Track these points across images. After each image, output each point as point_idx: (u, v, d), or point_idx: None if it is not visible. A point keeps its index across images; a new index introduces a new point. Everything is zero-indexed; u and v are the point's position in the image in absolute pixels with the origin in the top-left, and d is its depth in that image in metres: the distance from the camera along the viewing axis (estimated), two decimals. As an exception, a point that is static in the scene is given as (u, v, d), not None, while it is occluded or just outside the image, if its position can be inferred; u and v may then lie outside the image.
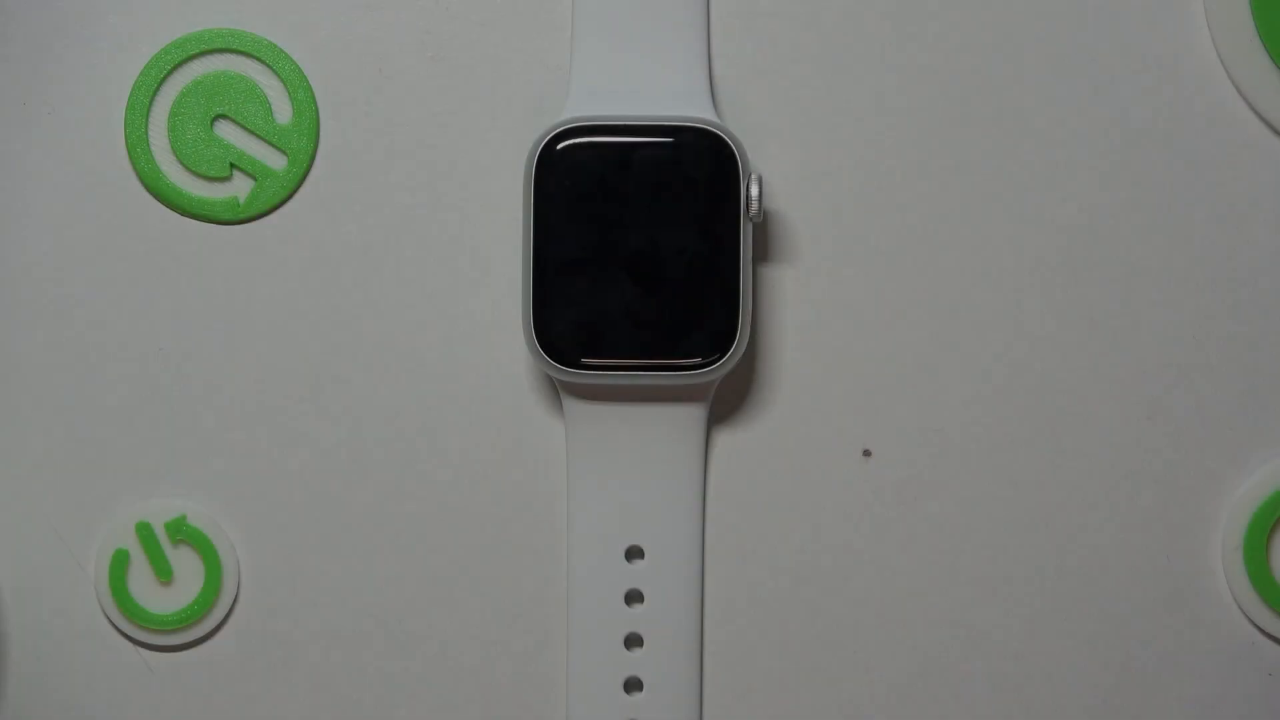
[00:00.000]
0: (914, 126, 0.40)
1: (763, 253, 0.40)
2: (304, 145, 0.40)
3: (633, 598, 0.39)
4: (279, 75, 0.40)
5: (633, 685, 0.39)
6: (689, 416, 0.38)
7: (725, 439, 0.40)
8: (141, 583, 0.40)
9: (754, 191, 0.37)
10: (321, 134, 0.40)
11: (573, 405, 0.38)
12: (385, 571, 0.40)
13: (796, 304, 0.40)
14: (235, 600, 0.40)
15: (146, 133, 0.40)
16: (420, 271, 0.40)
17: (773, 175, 0.40)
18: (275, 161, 0.40)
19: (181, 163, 0.40)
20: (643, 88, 0.38)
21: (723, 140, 0.37)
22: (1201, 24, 0.40)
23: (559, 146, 0.37)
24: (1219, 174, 0.40)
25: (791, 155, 0.40)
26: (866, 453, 0.40)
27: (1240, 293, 0.40)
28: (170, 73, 0.40)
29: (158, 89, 0.40)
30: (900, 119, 0.40)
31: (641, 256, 0.36)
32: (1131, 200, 0.40)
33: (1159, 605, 0.40)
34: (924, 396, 0.40)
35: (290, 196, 0.40)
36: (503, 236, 0.40)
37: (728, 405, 0.40)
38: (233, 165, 0.40)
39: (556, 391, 0.39)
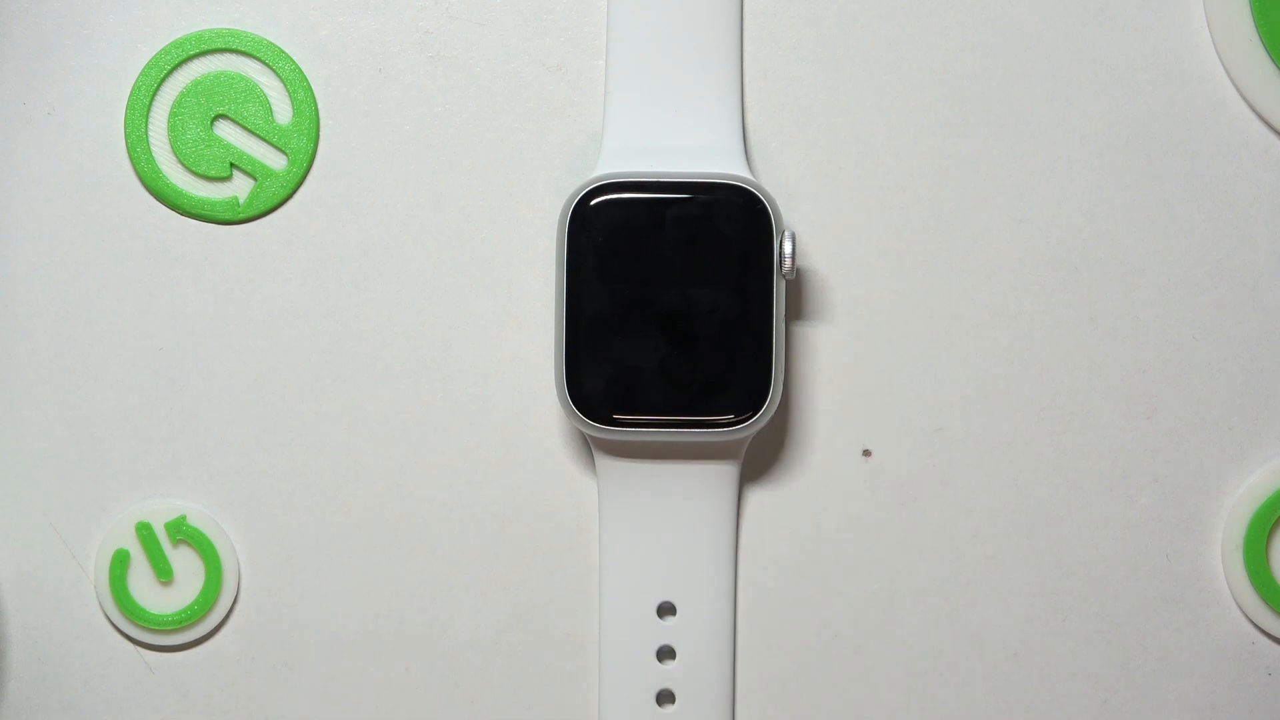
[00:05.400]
0: (915, 134, 0.40)
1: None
2: (304, 145, 0.40)
3: (664, 654, 0.39)
4: (279, 75, 0.40)
5: (664, 743, 0.39)
6: (721, 473, 0.38)
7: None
8: (141, 583, 0.40)
9: (787, 248, 0.37)
10: (321, 134, 0.40)
11: (605, 461, 0.38)
12: (389, 581, 0.40)
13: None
14: (235, 600, 0.40)
15: (146, 133, 0.40)
16: (420, 271, 0.40)
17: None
18: (275, 161, 0.40)
19: (181, 163, 0.40)
20: (676, 144, 0.38)
21: (756, 197, 0.37)
22: (1201, 24, 0.40)
23: (593, 203, 0.37)
24: (1219, 174, 0.40)
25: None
26: (866, 453, 0.40)
27: (1240, 293, 0.40)
28: (170, 73, 0.40)
29: (158, 89, 0.40)
30: (902, 136, 0.40)
31: (675, 313, 0.36)
32: (1131, 200, 0.40)
33: (1159, 605, 0.40)
34: (924, 396, 0.40)
35: (290, 196, 0.40)
36: (503, 236, 0.40)
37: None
38: (233, 165, 0.40)
39: (589, 447, 0.39)
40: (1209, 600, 0.40)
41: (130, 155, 0.40)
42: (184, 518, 0.40)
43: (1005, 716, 0.40)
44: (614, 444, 0.38)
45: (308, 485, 0.40)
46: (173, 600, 0.40)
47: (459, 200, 0.40)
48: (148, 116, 0.40)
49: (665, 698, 0.39)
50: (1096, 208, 0.40)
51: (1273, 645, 0.40)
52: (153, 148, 0.40)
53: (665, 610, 0.39)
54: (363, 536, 0.40)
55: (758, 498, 0.40)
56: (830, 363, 0.40)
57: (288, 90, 0.40)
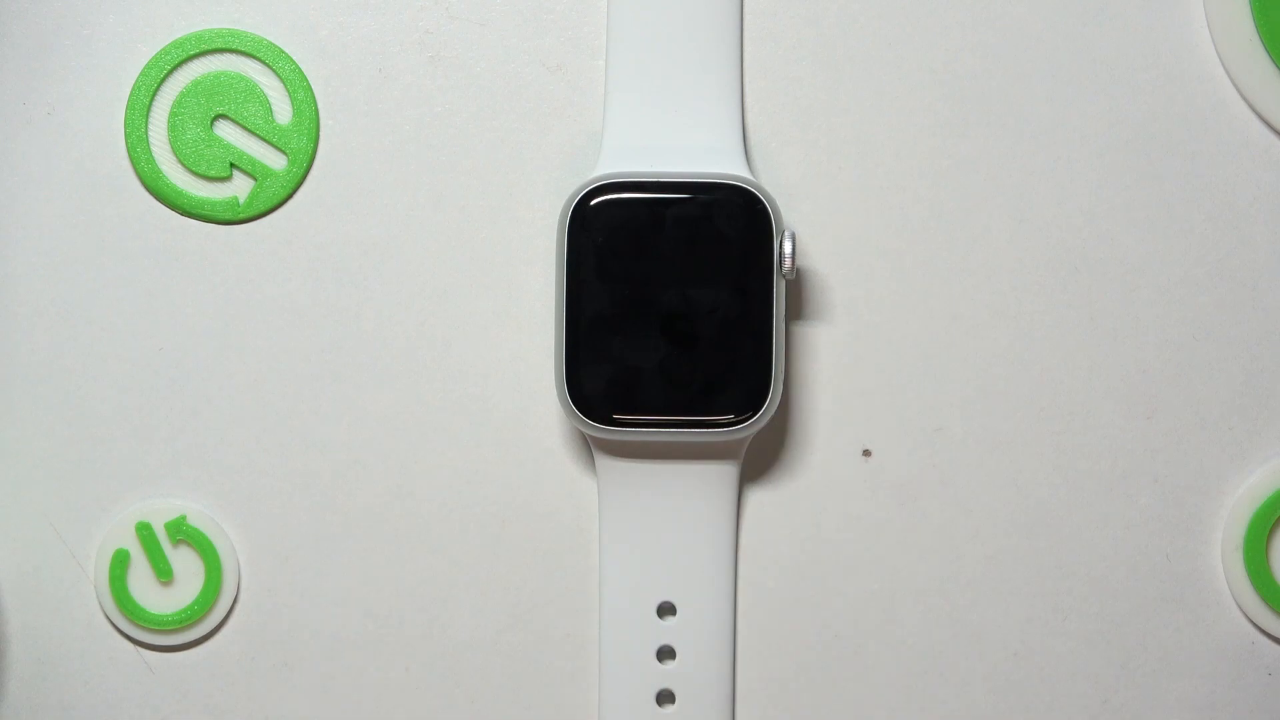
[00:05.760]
0: (915, 134, 0.40)
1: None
2: (304, 145, 0.40)
3: (665, 654, 0.39)
4: (279, 75, 0.40)
5: (664, 743, 0.40)
6: (721, 473, 0.38)
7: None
8: (141, 583, 0.40)
9: (787, 248, 0.37)
10: (321, 134, 0.40)
11: (605, 461, 0.38)
12: (389, 581, 0.40)
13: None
14: (235, 600, 0.40)
15: (146, 133, 0.40)
16: (420, 271, 0.40)
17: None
18: (275, 161, 0.40)
19: (181, 163, 0.40)
20: (676, 144, 0.38)
21: (756, 197, 0.37)
22: (1201, 24, 0.40)
23: (593, 203, 0.37)
24: (1219, 174, 0.40)
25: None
26: (866, 453, 0.40)
27: (1240, 293, 0.40)
28: (170, 73, 0.40)
29: (158, 89, 0.40)
30: (902, 136, 0.40)
31: (675, 313, 0.37)
32: (1131, 200, 0.40)
33: (1159, 605, 0.40)
34: (924, 396, 0.40)
35: (290, 196, 0.40)
36: (503, 236, 0.40)
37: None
38: (233, 165, 0.40)
39: (589, 447, 0.39)
40: (1209, 600, 0.40)
41: (130, 155, 0.40)
42: (184, 518, 0.40)
43: (1005, 716, 0.40)
44: (614, 444, 0.38)
45: (308, 485, 0.40)
46: (173, 600, 0.40)
47: (459, 200, 0.40)
48: (148, 116, 0.40)
49: (665, 698, 0.39)
50: (1096, 208, 0.40)
51: (1273, 645, 0.40)
52: (153, 148, 0.40)
53: (665, 610, 0.39)
54: (363, 536, 0.40)
55: (758, 498, 0.40)
56: (830, 363, 0.40)
57: (288, 90, 0.40)
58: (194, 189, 0.40)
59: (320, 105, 0.40)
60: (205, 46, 0.40)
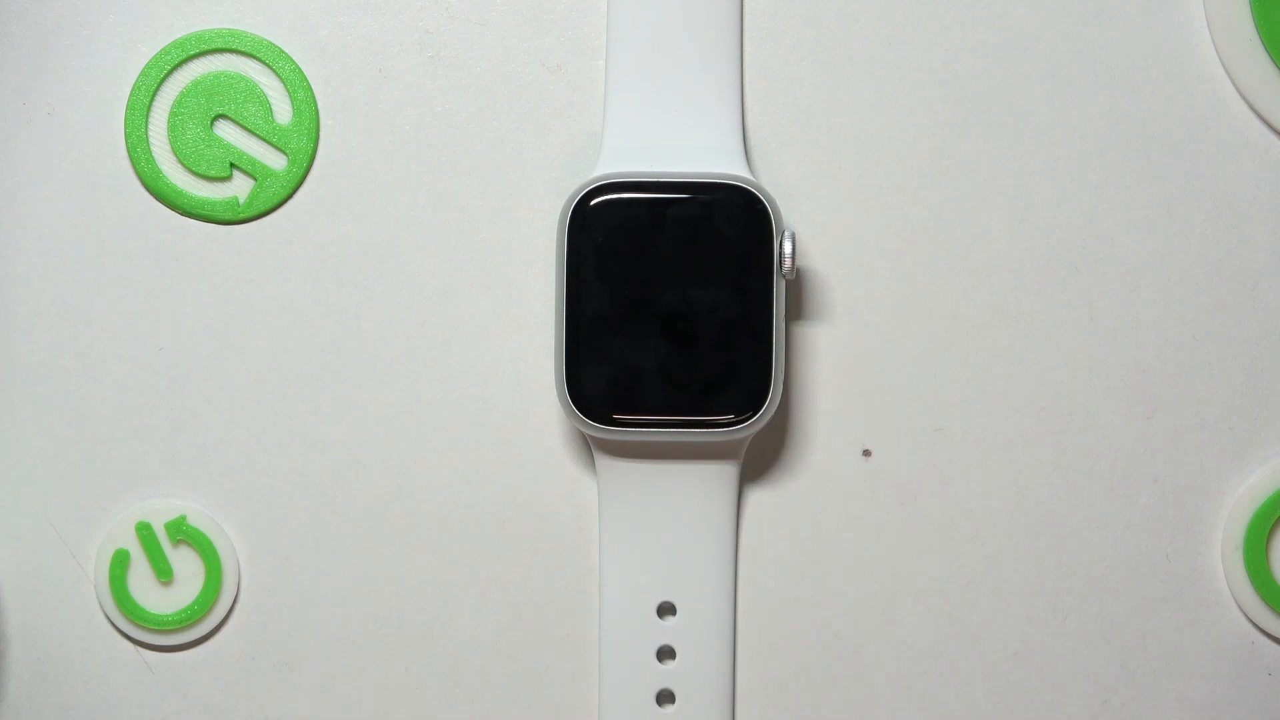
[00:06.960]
0: (915, 134, 0.40)
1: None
2: (304, 145, 0.40)
3: (665, 654, 0.39)
4: (279, 75, 0.40)
5: (665, 744, 0.40)
6: (721, 473, 0.38)
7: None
8: (141, 583, 0.40)
9: (787, 248, 0.37)
10: (321, 134, 0.40)
11: (605, 461, 0.38)
12: (389, 581, 0.40)
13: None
14: (235, 600, 0.40)
15: (146, 133, 0.40)
16: (420, 271, 0.40)
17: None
18: (275, 161, 0.40)
19: (181, 163, 0.40)
20: (676, 144, 0.38)
21: (756, 197, 0.37)
22: (1201, 24, 0.40)
23: (593, 203, 0.37)
24: (1219, 174, 0.40)
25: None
26: (866, 453, 0.40)
27: (1240, 293, 0.40)
28: (170, 73, 0.40)
29: (158, 89, 0.40)
30: (902, 136, 0.40)
31: (675, 313, 0.37)
32: (1131, 200, 0.40)
33: (1159, 605, 0.40)
34: (924, 396, 0.40)
35: (290, 196, 0.40)
36: (503, 236, 0.40)
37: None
38: (233, 165, 0.40)
39: (589, 447, 0.39)
40: (1209, 600, 0.40)
41: (130, 155, 0.40)
42: (184, 518, 0.40)
43: (1005, 716, 0.40)
44: (614, 444, 0.38)
45: (308, 485, 0.40)
46: (173, 600, 0.40)
47: (459, 200, 0.40)
48: (148, 116, 0.40)
49: (665, 698, 0.39)
50: (1096, 208, 0.40)
51: (1273, 645, 0.40)
52: (153, 148, 0.40)
53: (665, 610, 0.39)
54: (363, 536, 0.40)
55: (758, 498, 0.40)
56: (830, 363, 0.40)
57: (288, 90, 0.40)
58: (194, 189, 0.40)
59: (320, 105, 0.40)
60: (205, 46, 0.40)
